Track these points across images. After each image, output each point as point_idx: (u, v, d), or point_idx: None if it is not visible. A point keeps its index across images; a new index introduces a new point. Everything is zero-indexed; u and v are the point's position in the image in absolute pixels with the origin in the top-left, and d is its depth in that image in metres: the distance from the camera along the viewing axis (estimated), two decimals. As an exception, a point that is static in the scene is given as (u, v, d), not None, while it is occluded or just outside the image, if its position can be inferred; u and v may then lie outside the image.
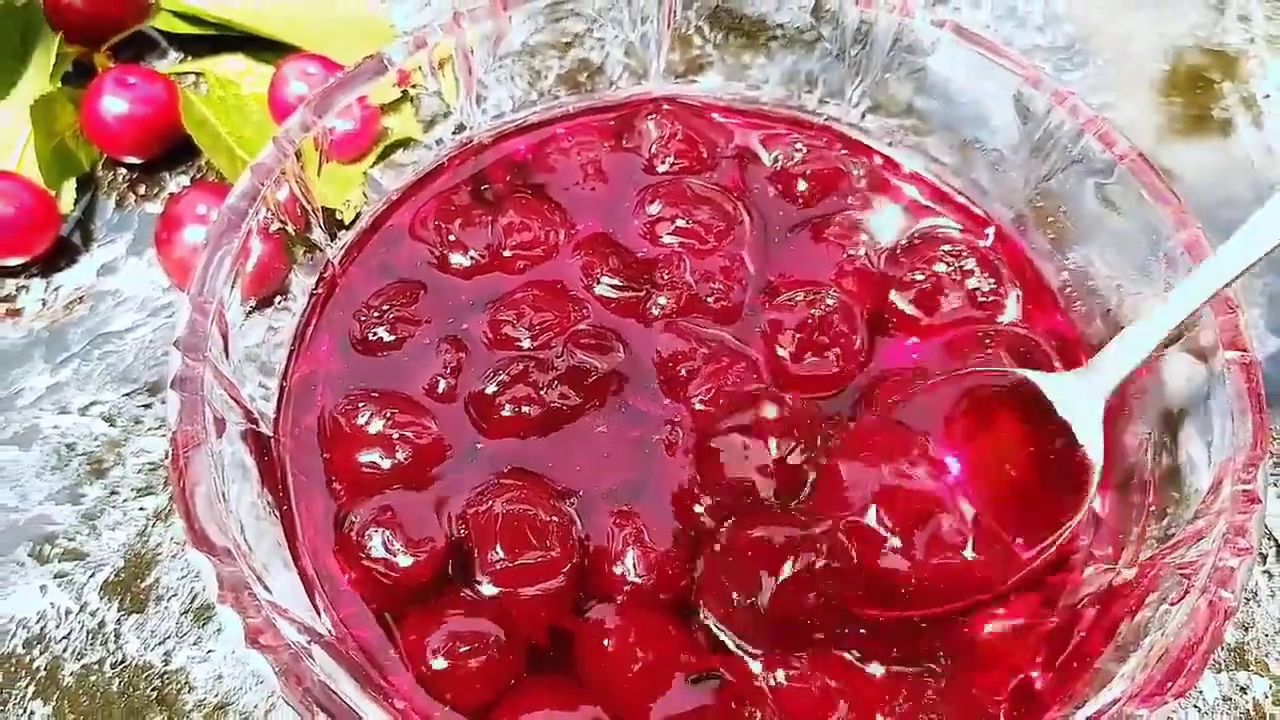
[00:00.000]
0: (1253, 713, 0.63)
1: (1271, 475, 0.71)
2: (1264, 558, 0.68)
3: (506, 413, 0.59)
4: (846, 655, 0.54)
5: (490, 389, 0.59)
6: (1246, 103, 0.89)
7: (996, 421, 0.60)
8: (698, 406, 0.60)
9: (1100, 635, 0.55)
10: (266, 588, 0.49)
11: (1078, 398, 0.58)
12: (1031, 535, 0.57)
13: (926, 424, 0.59)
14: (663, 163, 0.70)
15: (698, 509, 0.57)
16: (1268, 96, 0.90)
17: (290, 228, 0.61)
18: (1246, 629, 0.65)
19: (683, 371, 0.61)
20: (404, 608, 0.54)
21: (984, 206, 0.70)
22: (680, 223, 0.66)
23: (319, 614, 0.53)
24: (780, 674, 0.53)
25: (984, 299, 0.65)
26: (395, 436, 0.58)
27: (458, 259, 0.65)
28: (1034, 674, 0.55)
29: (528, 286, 0.64)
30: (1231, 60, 0.92)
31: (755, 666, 0.53)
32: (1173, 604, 0.51)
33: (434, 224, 0.66)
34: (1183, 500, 0.57)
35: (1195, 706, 0.63)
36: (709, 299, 0.64)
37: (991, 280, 0.65)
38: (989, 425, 0.60)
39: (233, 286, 0.56)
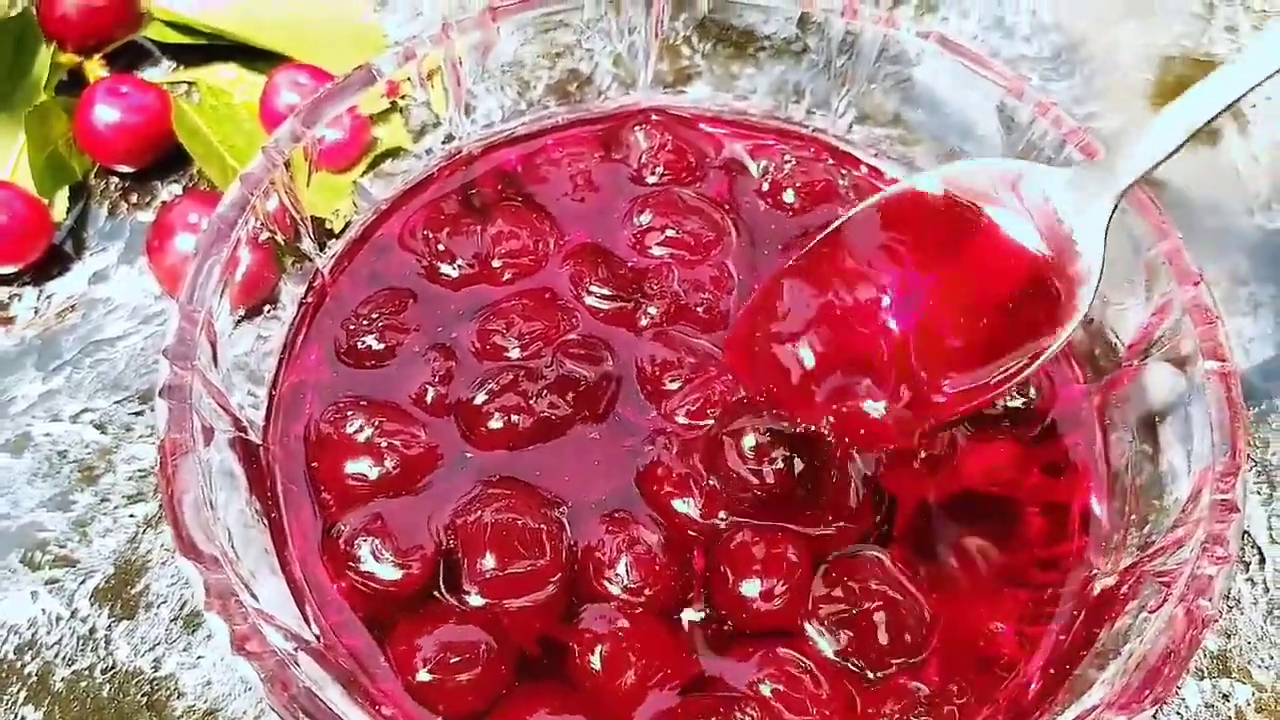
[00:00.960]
0: None
1: (1255, 484, 0.71)
2: (1246, 566, 0.68)
3: (495, 422, 0.59)
4: (839, 661, 0.54)
5: (479, 398, 0.59)
6: (1233, 112, 0.90)
7: (971, 233, 0.57)
8: (682, 418, 0.60)
9: (1081, 642, 0.55)
10: (254, 595, 0.50)
11: (1080, 194, 0.55)
12: (1001, 355, 0.56)
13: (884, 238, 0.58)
14: (652, 173, 0.70)
15: (690, 516, 0.57)
16: (1254, 106, 0.90)
17: (279, 237, 0.62)
18: (1229, 636, 0.66)
19: (670, 381, 0.61)
20: (393, 616, 0.54)
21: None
22: (670, 233, 0.67)
23: (307, 621, 0.54)
24: (769, 683, 0.53)
25: None
26: (384, 445, 0.58)
27: (447, 268, 0.65)
28: (1032, 684, 0.55)
29: (517, 296, 0.64)
30: (1218, 70, 0.92)
31: (746, 672, 0.53)
32: (1151, 612, 0.52)
33: (423, 233, 0.66)
34: (1163, 509, 0.57)
35: (1178, 713, 0.64)
36: (698, 309, 0.64)
37: None
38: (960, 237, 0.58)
39: (222, 295, 0.57)
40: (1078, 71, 0.92)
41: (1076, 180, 0.57)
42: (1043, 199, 0.57)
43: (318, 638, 0.53)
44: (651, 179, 0.70)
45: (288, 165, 0.61)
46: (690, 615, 0.55)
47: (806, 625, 0.55)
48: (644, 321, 0.64)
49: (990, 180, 0.58)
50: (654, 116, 0.73)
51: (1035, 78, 0.90)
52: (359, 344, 0.62)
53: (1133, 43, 0.94)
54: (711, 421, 0.59)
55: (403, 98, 0.67)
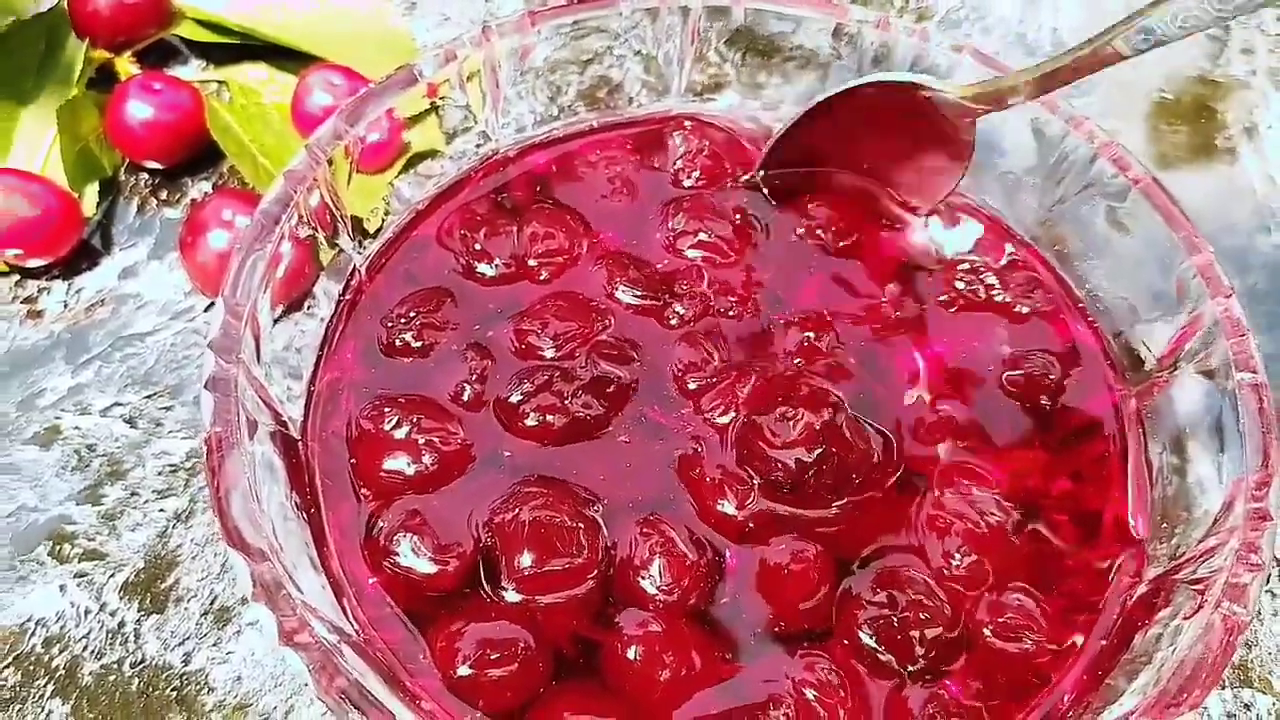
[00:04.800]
0: (1256, 730, 0.64)
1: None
2: (1268, 577, 0.69)
3: (531, 421, 0.59)
4: (874, 663, 0.55)
5: (515, 397, 0.60)
6: (1249, 132, 0.91)
7: None
8: (713, 418, 0.61)
9: (1115, 649, 0.56)
10: (298, 587, 0.50)
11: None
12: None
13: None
14: (688, 177, 0.71)
15: (725, 515, 0.58)
16: (1270, 127, 0.92)
17: (320, 234, 0.62)
18: (1250, 647, 0.67)
19: (700, 381, 0.62)
20: (432, 611, 0.54)
21: (1004, 224, 0.71)
22: (702, 236, 0.67)
23: (346, 616, 0.54)
24: (804, 685, 0.53)
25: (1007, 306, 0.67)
26: (422, 442, 0.58)
27: (483, 268, 0.66)
28: (1066, 691, 0.55)
29: (551, 296, 0.65)
30: (1235, 91, 0.94)
31: (780, 673, 0.54)
32: (1186, 619, 0.52)
33: (459, 233, 0.67)
34: (1193, 519, 0.58)
35: (1200, 723, 0.64)
36: (727, 312, 0.65)
37: (1011, 294, 0.67)
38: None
39: (265, 290, 0.57)
40: (1097, 89, 0.93)
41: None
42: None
43: (357, 632, 0.53)
44: (687, 182, 0.71)
45: (330, 163, 0.61)
46: (724, 616, 0.56)
47: (845, 627, 0.55)
48: (674, 322, 0.64)
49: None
50: (687, 123, 0.73)
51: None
52: (396, 341, 0.63)
53: (1151, 62, 0.95)
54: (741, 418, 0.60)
55: (441, 99, 0.67)
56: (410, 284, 0.66)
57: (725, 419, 0.61)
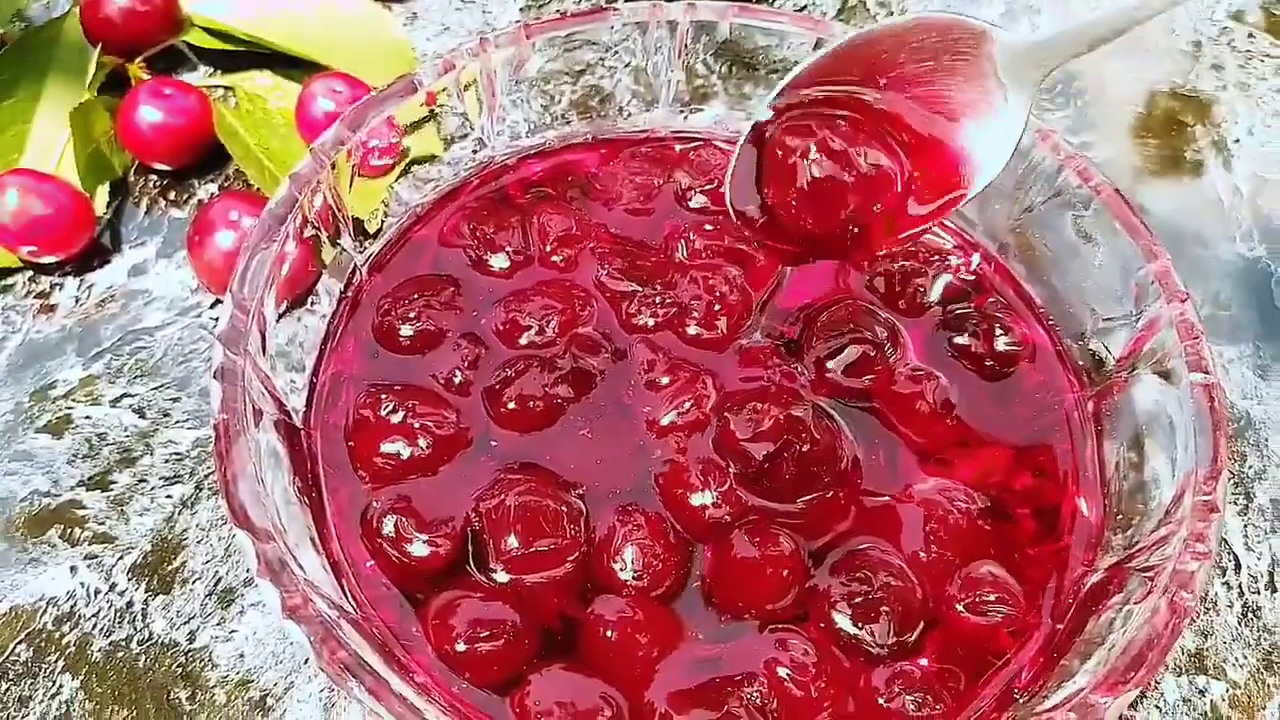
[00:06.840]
0: (1210, 714, 0.67)
1: (1232, 495, 0.75)
2: (1223, 571, 0.72)
3: (516, 409, 0.63)
4: (848, 644, 0.58)
5: (501, 385, 0.63)
6: (1218, 146, 0.95)
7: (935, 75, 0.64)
8: (689, 413, 0.64)
9: (1070, 633, 0.59)
10: (301, 566, 0.53)
11: (1020, 63, 0.61)
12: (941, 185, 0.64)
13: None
14: (694, 198, 0.74)
15: (698, 506, 0.61)
16: (1238, 141, 0.95)
17: (323, 235, 0.65)
18: (1206, 636, 0.70)
19: (677, 379, 0.65)
20: (424, 591, 0.58)
21: (970, 234, 0.74)
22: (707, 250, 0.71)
23: (345, 595, 0.57)
24: (775, 664, 0.56)
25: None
26: (416, 427, 0.61)
27: (483, 260, 0.69)
28: (1023, 671, 0.59)
29: (543, 287, 0.68)
30: (1204, 105, 0.97)
31: (753, 654, 0.56)
32: (1136, 604, 0.55)
33: (460, 230, 0.70)
34: (1147, 511, 0.61)
35: (1156, 707, 0.67)
36: (718, 309, 0.68)
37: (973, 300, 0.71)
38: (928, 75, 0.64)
39: (270, 287, 0.60)
40: (1072, 103, 0.96)
41: (1018, 48, 0.61)
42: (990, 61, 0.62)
43: (355, 610, 0.56)
44: (694, 203, 0.74)
45: (333, 167, 0.64)
46: (698, 601, 0.59)
47: (813, 609, 0.58)
48: (658, 320, 0.67)
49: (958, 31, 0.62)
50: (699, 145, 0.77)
51: (1032, 107, 0.94)
52: (394, 332, 0.66)
53: (1124, 78, 0.99)
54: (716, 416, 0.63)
55: (439, 107, 0.70)
56: (408, 280, 0.69)
57: (704, 414, 0.64)
